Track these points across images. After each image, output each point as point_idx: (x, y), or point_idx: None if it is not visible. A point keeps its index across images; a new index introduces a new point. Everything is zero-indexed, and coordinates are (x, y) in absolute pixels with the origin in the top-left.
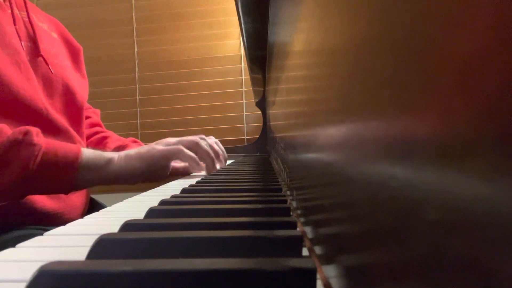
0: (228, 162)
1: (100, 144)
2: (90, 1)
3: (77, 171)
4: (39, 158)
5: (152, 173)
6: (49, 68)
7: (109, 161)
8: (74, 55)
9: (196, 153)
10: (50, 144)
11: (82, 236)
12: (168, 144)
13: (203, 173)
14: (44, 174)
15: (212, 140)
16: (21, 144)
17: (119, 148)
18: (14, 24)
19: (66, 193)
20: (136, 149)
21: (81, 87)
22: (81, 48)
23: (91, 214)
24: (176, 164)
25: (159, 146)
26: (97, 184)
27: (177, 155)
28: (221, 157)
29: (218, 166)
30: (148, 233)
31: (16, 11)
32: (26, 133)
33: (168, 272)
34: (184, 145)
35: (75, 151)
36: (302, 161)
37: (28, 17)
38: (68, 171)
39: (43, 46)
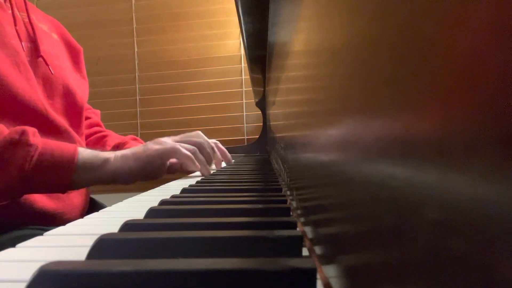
0: None
1: (99, 142)
2: (90, 1)
3: (74, 172)
4: (35, 159)
5: (149, 172)
6: (49, 69)
7: (106, 161)
8: (74, 56)
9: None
10: (47, 144)
11: (82, 236)
12: (163, 143)
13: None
14: (40, 174)
15: (212, 142)
16: (17, 144)
17: (118, 146)
18: (15, 25)
19: (63, 192)
20: (133, 149)
21: (81, 88)
22: (81, 49)
23: (91, 214)
24: (173, 160)
25: (155, 145)
26: (94, 184)
27: (174, 154)
28: (216, 161)
29: (209, 170)
30: (148, 233)
31: (16, 12)
32: (23, 133)
33: (168, 272)
34: (181, 145)
35: (72, 152)
36: (302, 161)
37: (28, 18)
38: (64, 172)
39: (43, 47)
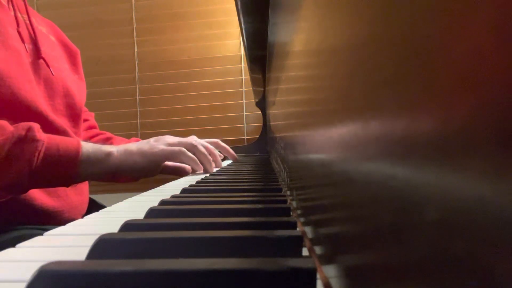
0: (228, 162)
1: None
2: (90, 1)
3: (79, 165)
4: (42, 154)
5: (150, 170)
6: (50, 71)
7: (109, 154)
8: (71, 57)
9: (194, 155)
10: (52, 139)
11: (82, 236)
12: (168, 144)
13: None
14: (47, 169)
15: (208, 142)
16: (25, 140)
17: None
18: (18, 27)
19: (68, 186)
20: (136, 144)
21: (79, 90)
22: (78, 51)
23: (91, 214)
24: (169, 163)
25: (160, 144)
26: (98, 176)
27: (179, 156)
28: (217, 158)
29: (214, 168)
30: (148, 233)
31: (18, 14)
32: (29, 129)
33: (168, 272)
34: (184, 146)
35: (76, 145)
36: (302, 161)
37: (29, 20)
38: (70, 165)
39: (44, 48)
